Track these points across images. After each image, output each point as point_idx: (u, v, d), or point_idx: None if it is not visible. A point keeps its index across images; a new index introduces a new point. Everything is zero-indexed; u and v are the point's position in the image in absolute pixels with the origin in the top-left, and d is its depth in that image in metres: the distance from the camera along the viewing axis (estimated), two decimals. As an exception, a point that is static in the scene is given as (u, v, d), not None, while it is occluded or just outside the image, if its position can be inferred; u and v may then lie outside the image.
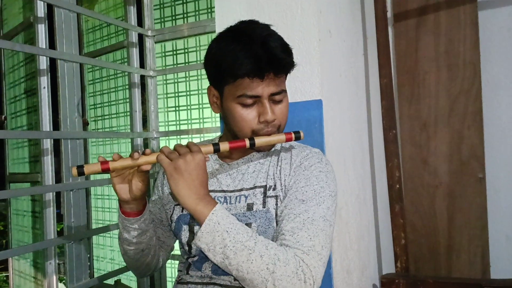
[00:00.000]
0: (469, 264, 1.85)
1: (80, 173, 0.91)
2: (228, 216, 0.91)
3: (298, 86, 1.39)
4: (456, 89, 1.88)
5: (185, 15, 2.22)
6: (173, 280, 2.24)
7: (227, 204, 1.04)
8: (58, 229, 1.90)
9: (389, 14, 1.96)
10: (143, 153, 0.95)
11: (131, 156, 0.94)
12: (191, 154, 0.91)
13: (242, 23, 1.04)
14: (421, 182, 1.95)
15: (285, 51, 0.99)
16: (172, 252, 1.27)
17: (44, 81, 1.80)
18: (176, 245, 1.21)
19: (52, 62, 1.82)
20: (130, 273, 2.31)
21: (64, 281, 3.09)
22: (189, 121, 2.24)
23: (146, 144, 2.32)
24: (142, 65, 2.23)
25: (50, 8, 1.80)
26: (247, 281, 0.88)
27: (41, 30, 1.80)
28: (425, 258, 1.94)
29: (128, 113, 2.41)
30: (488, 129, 1.83)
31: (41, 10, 1.81)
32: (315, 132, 1.36)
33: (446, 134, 1.90)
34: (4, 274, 4.36)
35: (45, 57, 1.80)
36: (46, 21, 1.81)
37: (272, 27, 1.02)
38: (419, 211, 1.95)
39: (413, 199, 1.96)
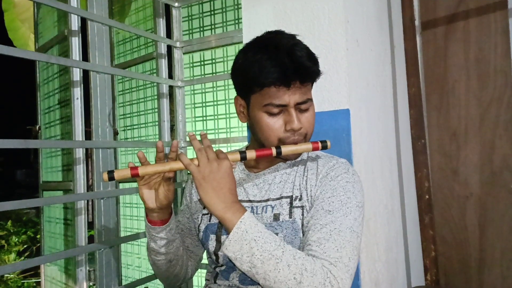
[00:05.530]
0: (501, 278, 1.79)
1: (111, 178, 0.93)
2: (256, 224, 0.91)
3: (326, 95, 1.39)
4: (487, 98, 1.84)
5: (212, 27, 2.26)
6: (200, 288, 2.25)
7: (253, 214, 1.04)
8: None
9: (416, 23, 1.94)
10: (169, 159, 0.97)
11: (158, 159, 0.97)
12: (217, 162, 0.93)
13: (268, 34, 1.04)
14: (451, 193, 1.91)
15: (311, 59, 0.99)
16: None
17: (77, 92, 1.85)
18: (204, 254, 1.22)
19: (85, 74, 1.87)
20: (157, 281, 2.33)
21: (93, 288, 3.14)
22: (216, 131, 2.26)
23: (174, 153, 2.34)
24: (171, 75, 2.27)
25: (83, 22, 1.86)
26: (274, 290, 0.88)
27: (75, 43, 1.85)
28: (455, 271, 1.89)
29: (157, 123, 2.46)
30: (521, 139, 1.78)
31: (75, 23, 1.86)
32: (343, 141, 1.35)
33: (476, 144, 1.86)
34: (34, 280, 4.46)
35: (78, 69, 1.85)
36: (80, 34, 1.86)
37: (298, 37, 1.02)
38: (449, 222, 1.90)
39: (443, 210, 1.92)
